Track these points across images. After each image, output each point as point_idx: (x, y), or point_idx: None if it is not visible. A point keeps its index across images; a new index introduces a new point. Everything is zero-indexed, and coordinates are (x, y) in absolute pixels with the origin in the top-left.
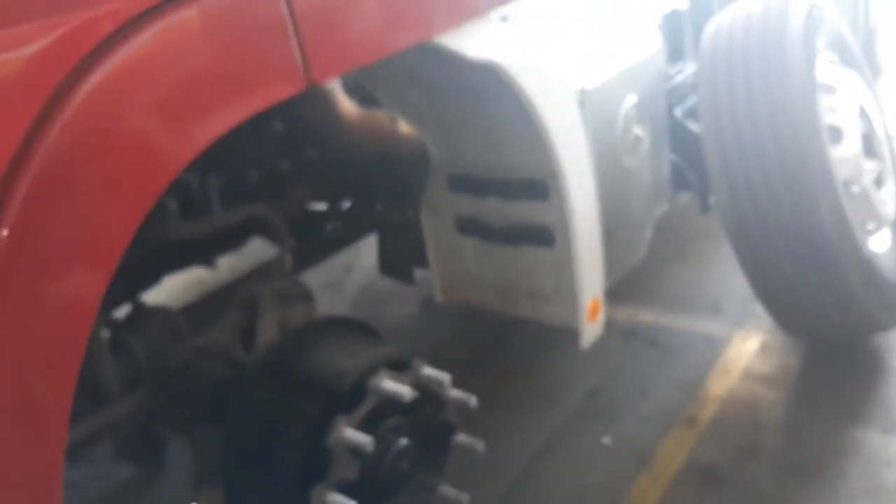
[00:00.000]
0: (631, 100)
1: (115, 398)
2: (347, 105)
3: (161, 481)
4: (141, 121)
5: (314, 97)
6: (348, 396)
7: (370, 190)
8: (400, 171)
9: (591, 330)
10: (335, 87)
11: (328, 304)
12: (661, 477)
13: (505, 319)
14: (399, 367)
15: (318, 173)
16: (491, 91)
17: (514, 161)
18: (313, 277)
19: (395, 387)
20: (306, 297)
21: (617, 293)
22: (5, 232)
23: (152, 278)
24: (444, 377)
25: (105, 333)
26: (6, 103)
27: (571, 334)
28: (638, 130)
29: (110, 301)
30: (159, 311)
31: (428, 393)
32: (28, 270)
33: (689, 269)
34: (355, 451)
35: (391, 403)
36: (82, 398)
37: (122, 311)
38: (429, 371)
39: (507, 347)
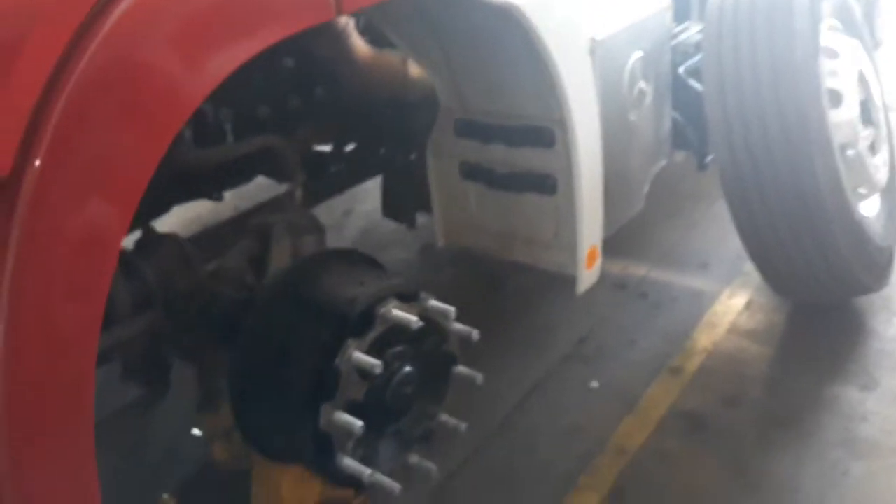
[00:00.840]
0: (638, 54)
1: (125, 319)
2: (360, 45)
3: (165, 404)
4: (168, 48)
5: (328, 35)
6: (358, 322)
7: (378, 132)
8: (408, 114)
9: (587, 276)
10: (349, 26)
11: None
12: (646, 421)
13: (501, 267)
14: (407, 297)
15: (328, 113)
16: (504, 34)
17: (522, 108)
18: None
19: (402, 315)
20: (318, 229)
21: (610, 246)
22: (38, 162)
23: (163, 206)
24: (450, 310)
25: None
26: (35, 38)
27: (565, 283)
28: (643, 85)
29: None
30: (169, 237)
31: (432, 324)
32: (59, 200)
33: (681, 226)
34: (363, 373)
35: (397, 332)
36: None
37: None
38: (435, 303)
39: (502, 293)
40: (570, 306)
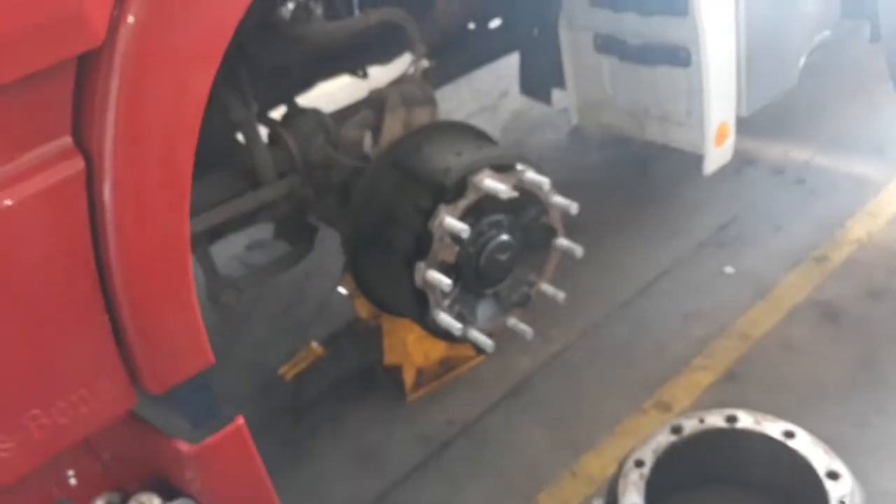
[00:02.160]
0: None
1: (270, 183)
2: None
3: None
4: None
5: None
6: (452, 189)
7: (513, 6)
8: None
9: (716, 155)
10: None
11: (482, 126)
12: (777, 309)
13: (649, 150)
14: (503, 169)
15: None
16: None
17: None
18: (471, 100)
19: (493, 185)
20: (430, 101)
21: (770, 129)
22: (131, 19)
23: (305, 83)
24: (545, 181)
25: (263, 129)
26: None
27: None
28: None
29: (268, 101)
30: (311, 111)
31: (532, 197)
32: (150, 56)
33: (855, 106)
34: (454, 237)
35: (492, 201)
36: (242, 182)
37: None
38: (531, 175)
39: (648, 175)
40: (717, 191)
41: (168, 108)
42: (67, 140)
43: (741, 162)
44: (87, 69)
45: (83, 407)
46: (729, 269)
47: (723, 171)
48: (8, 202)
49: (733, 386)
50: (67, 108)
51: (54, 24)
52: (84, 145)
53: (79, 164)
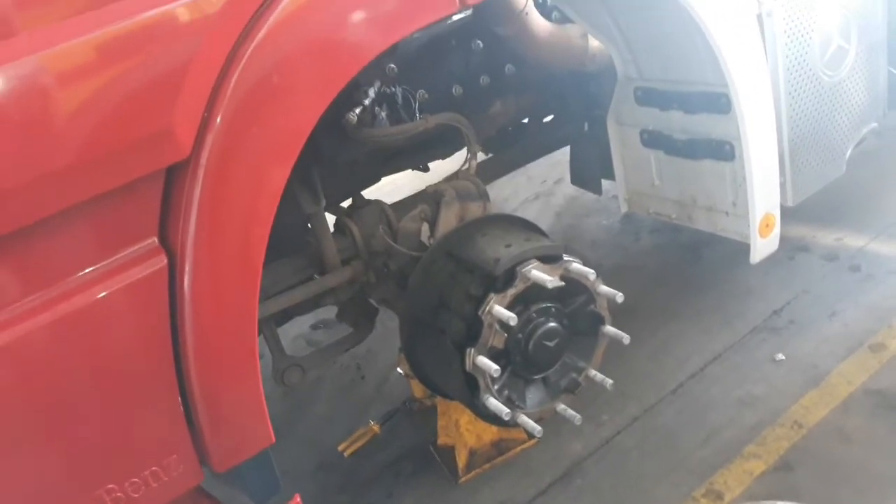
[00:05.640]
0: (830, 12)
1: (335, 269)
2: (540, 21)
3: (371, 341)
4: (305, 52)
5: (508, 15)
6: (501, 279)
7: (565, 104)
8: (589, 86)
9: (763, 245)
10: (529, 6)
11: (538, 212)
12: (831, 397)
13: (701, 235)
14: (550, 259)
15: (519, 89)
16: (666, 7)
17: (696, 75)
18: (527, 187)
19: (540, 275)
20: (483, 195)
21: (824, 215)
22: (219, 119)
23: (371, 178)
24: (590, 272)
25: (330, 218)
26: (204, 47)
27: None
28: (841, 43)
29: (337, 194)
30: (374, 203)
31: (579, 286)
32: (232, 162)
33: None
34: (502, 324)
35: (542, 290)
36: (309, 268)
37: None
38: (577, 265)
39: (700, 260)
40: (769, 276)
41: (244, 207)
42: (153, 240)
43: (794, 248)
44: (175, 176)
45: (154, 482)
46: (780, 356)
47: (776, 258)
48: (100, 295)
49: (787, 475)
50: (156, 211)
51: (147, 139)
52: (168, 243)
53: (162, 260)
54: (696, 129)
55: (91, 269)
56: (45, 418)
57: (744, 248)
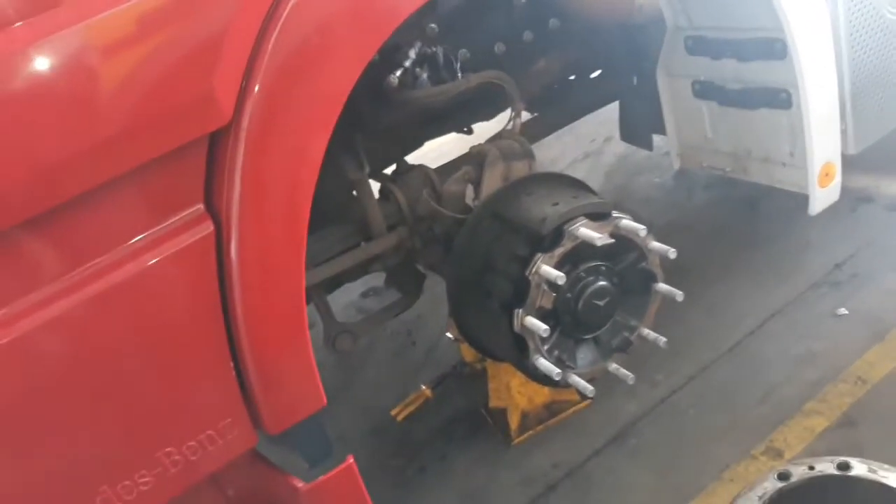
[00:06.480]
0: None
1: (381, 235)
2: None
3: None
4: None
5: None
6: (548, 238)
7: (613, 58)
8: (637, 38)
9: (822, 195)
10: None
11: (587, 172)
12: None
13: (757, 188)
14: (599, 217)
15: (564, 44)
16: None
17: (750, 20)
18: (575, 147)
19: (588, 233)
20: (528, 154)
21: (887, 164)
22: (256, 87)
23: (414, 142)
24: (640, 228)
25: (374, 186)
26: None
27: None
28: None
29: (381, 160)
30: (418, 168)
31: (629, 243)
32: (272, 127)
33: None
34: (550, 284)
35: (592, 249)
36: (356, 235)
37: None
38: (626, 222)
39: (757, 215)
40: (831, 229)
41: (287, 172)
42: (200, 207)
43: (856, 199)
44: (217, 143)
45: (210, 446)
46: (842, 311)
47: (836, 209)
48: (151, 262)
49: (850, 432)
50: (201, 178)
51: (189, 106)
52: (214, 210)
53: (209, 227)
54: (750, 77)
55: (141, 236)
56: (104, 385)
57: (802, 201)
